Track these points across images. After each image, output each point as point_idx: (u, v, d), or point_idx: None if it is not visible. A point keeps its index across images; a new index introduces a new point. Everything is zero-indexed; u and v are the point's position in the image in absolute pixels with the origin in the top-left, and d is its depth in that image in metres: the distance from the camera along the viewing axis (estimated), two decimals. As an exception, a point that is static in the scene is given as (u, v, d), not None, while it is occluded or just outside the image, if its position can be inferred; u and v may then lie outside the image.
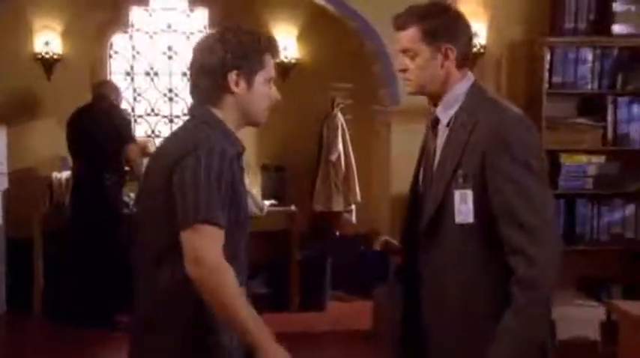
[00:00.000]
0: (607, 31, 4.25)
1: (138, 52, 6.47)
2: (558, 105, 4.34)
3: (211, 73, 1.98)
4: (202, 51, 2.00)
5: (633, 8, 4.25)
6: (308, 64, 6.36)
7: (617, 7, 4.23)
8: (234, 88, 1.99)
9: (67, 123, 5.40)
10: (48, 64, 6.02)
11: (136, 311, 2.06)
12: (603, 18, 4.26)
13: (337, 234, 6.09)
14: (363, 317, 5.29)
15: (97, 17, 6.22)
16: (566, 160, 4.26)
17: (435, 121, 2.13)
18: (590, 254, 4.34)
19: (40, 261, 5.51)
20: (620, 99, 4.28)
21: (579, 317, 4.16)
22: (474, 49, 3.51)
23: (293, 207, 5.85)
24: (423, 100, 3.18)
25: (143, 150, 5.55)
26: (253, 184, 5.79)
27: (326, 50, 6.33)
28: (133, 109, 6.45)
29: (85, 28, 6.17)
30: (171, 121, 6.57)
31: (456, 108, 2.07)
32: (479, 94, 2.08)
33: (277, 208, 5.80)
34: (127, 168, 5.38)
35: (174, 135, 2.08)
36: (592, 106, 4.35)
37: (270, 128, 5.97)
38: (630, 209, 4.33)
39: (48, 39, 6.02)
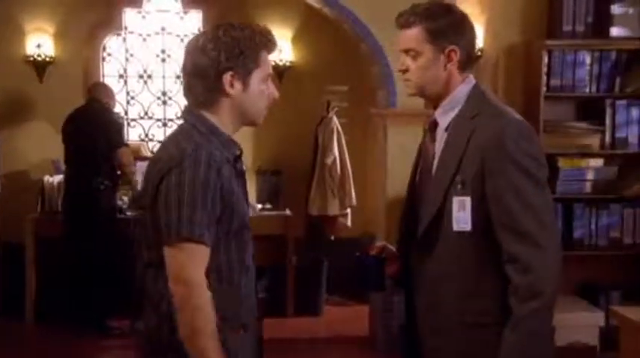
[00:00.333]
0: (605, 34, 4.22)
1: (131, 55, 6.43)
2: (556, 109, 4.30)
3: (204, 75, 1.90)
4: (194, 52, 1.92)
5: (631, 11, 4.22)
6: (303, 66, 6.32)
7: (615, 9, 4.20)
8: (229, 90, 1.91)
9: (62, 127, 5.35)
10: (40, 67, 5.98)
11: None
12: (601, 20, 4.23)
13: (333, 238, 6.06)
14: (359, 322, 5.27)
15: (89, 19, 6.17)
16: (564, 164, 4.22)
17: (434, 125, 2.08)
18: (588, 259, 4.31)
19: (32, 266, 5.45)
20: (618, 102, 4.24)
21: (578, 322, 4.13)
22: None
23: (288, 211, 5.82)
24: (419, 103, 3.14)
25: (135, 154, 5.52)
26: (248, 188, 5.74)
27: (321, 53, 6.30)
28: (126, 112, 6.41)
29: (78, 30, 6.13)
30: (164, 125, 6.52)
31: (455, 112, 2.03)
32: (480, 99, 2.04)
33: (272, 212, 5.77)
34: (118, 173, 5.32)
35: (165, 143, 1.99)
36: (590, 110, 4.32)
37: (265, 131, 5.99)
38: (629, 213, 4.30)
39: (40, 41, 5.98)
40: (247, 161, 5.80)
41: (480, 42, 4.59)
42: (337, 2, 4.77)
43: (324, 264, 5.81)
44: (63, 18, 6.07)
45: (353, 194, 5.94)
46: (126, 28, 6.38)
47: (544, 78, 4.19)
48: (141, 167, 5.69)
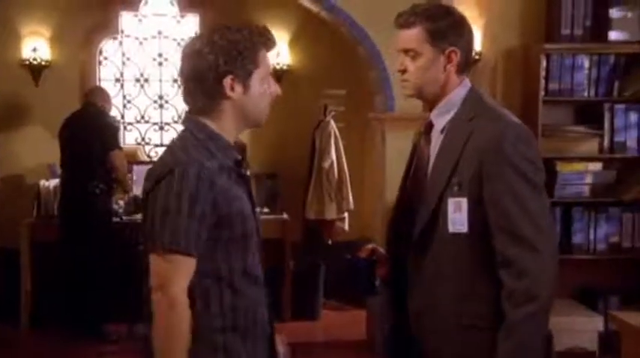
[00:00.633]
0: (604, 38, 4.21)
1: (128, 58, 6.41)
2: (554, 113, 4.29)
3: (203, 81, 1.87)
4: (191, 56, 1.88)
5: (630, 14, 4.21)
6: (300, 70, 6.31)
7: (613, 13, 4.19)
8: (230, 94, 1.88)
9: (59, 132, 5.33)
10: (36, 70, 5.96)
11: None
12: (600, 24, 4.22)
13: (330, 242, 6.04)
14: (357, 327, 5.25)
15: (85, 23, 6.15)
16: (562, 168, 4.21)
17: (429, 126, 2.08)
18: (587, 263, 4.30)
19: (27, 271, 5.42)
20: (616, 106, 4.23)
21: (577, 327, 4.11)
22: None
23: (285, 215, 5.80)
24: (417, 107, 3.12)
25: (131, 158, 5.49)
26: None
27: (318, 56, 6.29)
28: (122, 116, 6.39)
29: (74, 34, 6.11)
30: (161, 128, 6.50)
31: (451, 114, 2.03)
32: (476, 101, 2.04)
33: (269, 216, 5.74)
34: (113, 176, 5.30)
35: (165, 151, 1.95)
36: (589, 114, 4.31)
37: (262, 135, 5.97)
38: (627, 217, 4.28)
39: (36, 45, 5.96)
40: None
41: (478, 45, 4.57)
42: (335, 6, 4.76)
43: (321, 268, 5.79)
44: (59, 21, 6.04)
45: (350, 198, 5.93)
46: (122, 31, 6.36)
47: (542, 82, 4.18)
48: (137, 171, 5.68)
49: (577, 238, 4.26)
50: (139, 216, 5.43)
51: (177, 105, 6.42)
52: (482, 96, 2.08)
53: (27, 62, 5.94)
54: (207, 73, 1.86)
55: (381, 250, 2.19)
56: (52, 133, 5.45)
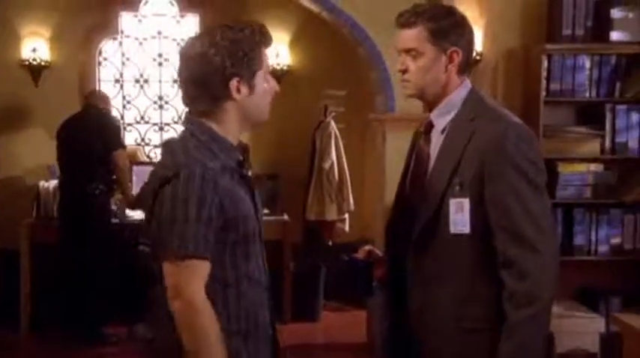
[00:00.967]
0: (605, 38, 4.19)
1: (127, 59, 6.40)
2: (556, 113, 4.27)
3: (209, 84, 1.84)
4: (195, 59, 1.84)
5: (631, 15, 4.19)
6: (300, 70, 6.30)
7: (615, 13, 4.17)
8: (235, 96, 1.86)
9: (57, 133, 5.31)
10: (35, 71, 5.95)
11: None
12: (601, 25, 4.19)
13: (330, 243, 6.03)
14: (357, 328, 5.24)
15: (85, 23, 6.14)
16: (563, 169, 4.19)
17: (429, 127, 2.07)
18: (588, 265, 4.28)
19: (27, 273, 5.40)
20: (618, 107, 4.21)
21: (578, 329, 4.09)
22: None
23: (286, 217, 5.79)
24: (418, 108, 3.11)
25: (131, 159, 5.48)
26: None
27: (318, 57, 6.28)
28: (122, 117, 6.38)
29: (74, 34, 6.10)
30: (161, 129, 6.49)
31: (452, 115, 2.02)
32: (477, 102, 2.04)
33: (270, 217, 5.72)
34: (114, 177, 5.28)
35: (164, 152, 1.94)
36: (590, 114, 4.29)
37: (262, 136, 5.96)
38: (629, 219, 4.26)
39: (35, 45, 5.95)
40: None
41: (479, 45, 4.56)
42: (335, 6, 4.75)
43: (321, 270, 5.78)
44: (58, 22, 6.04)
45: (351, 199, 5.92)
46: (122, 31, 6.35)
47: (543, 82, 4.15)
48: (137, 171, 5.67)
49: (578, 239, 4.24)
50: (136, 216, 5.42)
51: (177, 105, 6.41)
52: (483, 96, 2.08)
53: (26, 62, 5.94)
54: (214, 77, 1.84)
55: (378, 252, 2.19)
56: (52, 134, 5.43)
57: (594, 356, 4.11)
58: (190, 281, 1.75)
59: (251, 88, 1.87)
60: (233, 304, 1.84)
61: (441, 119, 2.03)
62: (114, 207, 5.46)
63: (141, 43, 6.41)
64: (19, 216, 5.51)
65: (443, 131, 2.02)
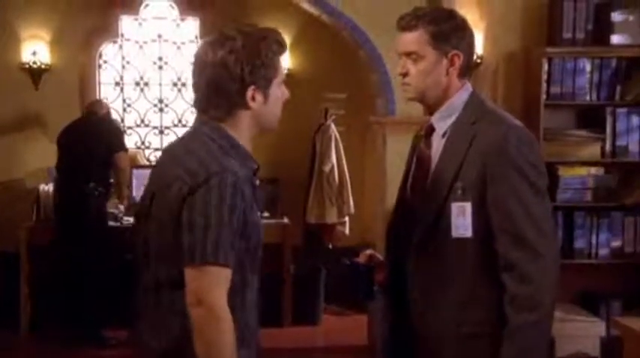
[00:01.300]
0: (605, 41, 4.19)
1: (127, 62, 6.40)
2: (556, 117, 4.27)
3: (226, 91, 1.82)
4: (214, 65, 1.81)
5: (631, 18, 4.19)
6: (301, 73, 6.30)
7: (615, 16, 4.17)
8: (251, 104, 1.85)
9: (57, 139, 5.31)
10: (36, 74, 5.95)
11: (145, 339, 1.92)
12: (601, 28, 4.19)
13: (331, 246, 6.02)
14: (358, 332, 5.23)
15: (85, 26, 6.14)
16: (564, 172, 4.18)
17: (430, 130, 2.06)
18: (588, 268, 4.27)
19: (26, 276, 5.39)
20: (618, 110, 4.21)
21: (578, 332, 4.08)
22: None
23: (286, 220, 5.78)
24: (418, 111, 3.10)
25: (131, 162, 5.48)
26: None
27: (319, 60, 6.28)
28: (122, 120, 6.37)
29: (74, 38, 6.10)
30: (161, 132, 6.49)
31: (453, 118, 2.01)
32: (478, 105, 2.03)
33: (270, 220, 5.72)
34: (111, 181, 5.29)
35: (180, 156, 1.84)
36: (590, 118, 4.29)
37: (262, 139, 5.91)
38: (629, 222, 4.26)
39: (36, 48, 5.95)
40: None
41: (479, 49, 4.56)
42: (336, 9, 4.74)
43: (321, 273, 5.77)
44: (59, 25, 6.03)
45: (351, 202, 5.92)
46: (122, 35, 6.35)
47: (544, 85, 4.15)
48: (137, 175, 5.66)
49: (579, 243, 4.23)
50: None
51: (178, 109, 6.41)
52: (484, 99, 2.08)
53: (27, 66, 5.93)
54: (232, 84, 1.82)
55: (379, 256, 2.18)
56: (52, 137, 5.43)
57: (595, 359, 4.11)
58: (214, 288, 1.72)
59: (266, 96, 1.87)
60: (238, 311, 1.82)
61: (442, 122, 2.03)
62: (115, 211, 5.46)
63: (141, 46, 6.41)
64: (18, 218, 5.51)
65: (444, 135, 2.02)
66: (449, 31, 1.99)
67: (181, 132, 1.98)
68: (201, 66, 1.85)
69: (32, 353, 5.22)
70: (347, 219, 5.94)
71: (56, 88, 6.00)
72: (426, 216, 1.97)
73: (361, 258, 2.15)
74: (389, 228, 2.15)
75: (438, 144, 2.03)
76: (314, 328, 5.67)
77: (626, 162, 4.25)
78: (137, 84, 6.42)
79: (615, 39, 4.18)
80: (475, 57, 4.31)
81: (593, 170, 4.22)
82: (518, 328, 1.85)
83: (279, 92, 1.92)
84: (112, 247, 5.19)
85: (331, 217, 5.86)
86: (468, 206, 1.91)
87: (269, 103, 1.89)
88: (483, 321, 1.93)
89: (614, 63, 4.19)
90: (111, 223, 5.39)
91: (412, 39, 2.00)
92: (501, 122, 1.96)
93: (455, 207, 1.92)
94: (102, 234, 5.19)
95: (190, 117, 6.19)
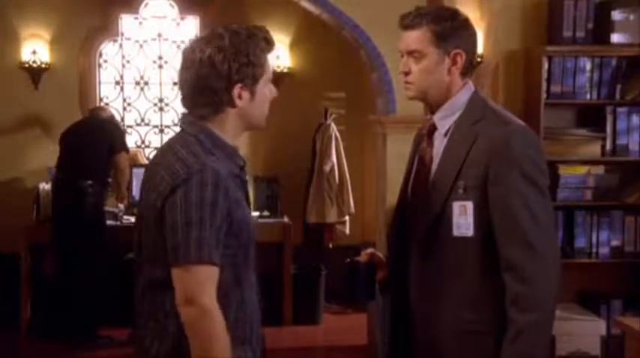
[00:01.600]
0: (606, 40, 4.18)
1: (127, 61, 6.39)
2: (556, 116, 4.26)
3: (212, 89, 1.83)
4: (200, 63, 1.82)
5: (632, 17, 4.18)
6: (301, 72, 6.30)
7: (615, 15, 4.16)
8: (237, 102, 1.86)
9: (60, 140, 5.33)
10: (35, 73, 5.95)
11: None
12: (602, 27, 4.19)
13: (331, 246, 6.02)
14: (358, 331, 5.22)
15: (85, 25, 6.14)
16: (564, 171, 4.17)
17: (432, 129, 2.06)
18: (589, 267, 4.26)
19: (26, 276, 5.38)
20: (619, 109, 4.20)
21: (579, 332, 4.08)
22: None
23: (286, 219, 5.78)
24: (418, 110, 3.10)
25: (131, 161, 5.49)
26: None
27: (319, 59, 6.27)
28: (122, 119, 6.37)
29: (74, 37, 6.10)
30: (161, 131, 6.49)
31: (455, 117, 2.01)
32: (480, 104, 2.03)
33: (270, 220, 5.72)
34: (109, 180, 5.29)
35: (166, 155, 1.89)
36: (591, 116, 4.28)
37: (262, 138, 5.95)
38: (630, 221, 4.25)
39: (35, 47, 5.95)
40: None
41: (479, 48, 4.55)
42: (336, 8, 4.74)
43: (322, 272, 5.77)
44: (59, 24, 6.03)
45: (351, 201, 5.91)
46: (122, 34, 6.34)
47: (544, 84, 4.14)
48: (137, 174, 5.66)
49: (579, 242, 4.22)
50: (133, 219, 5.41)
51: (178, 108, 6.40)
52: (485, 99, 2.08)
53: (26, 65, 5.93)
54: (218, 82, 1.83)
55: (380, 255, 2.18)
56: (52, 136, 5.44)
57: (595, 358, 4.10)
58: (203, 288, 1.73)
59: (253, 94, 1.87)
60: (234, 310, 1.83)
61: (444, 121, 2.02)
62: (115, 209, 5.46)
63: (141, 46, 6.40)
64: (18, 218, 5.50)
65: (446, 133, 2.02)
66: (451, 30, 1.98)
67: (178, 130, 1.98)
68: (188, 63, 1.86)
69: (32, 353, 5.21)
70: (347, 218, 5.94)
71: (56, 87, 6.00)
72: (428, 214, 1.97)
73: (362, 257, 2.15)
74: (390, 226, 2.15)
75: (440, 143, 2.03)
76: (314, 327, 5.67)
77: (627, 162, 4.25)
78: (137, 83, 6.42)
79: (616, 38, 4.18)
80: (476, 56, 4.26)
81: (593, 169, 4.21)
82: (521, 328, 1.85)
83: (266, 90, 1.91)
84: (110, 246, 5.18)
85: (331, 216, 5.86)
86: (469, 205, 1.91)
87: (256, 101, 1.88)
88: (484, 320, 1.93)
89: (614, 62, 4.19)
90: (110, 222, 5.39)
91: (415, 37, 1.99)
92: (504, 122, 1.96)
93: (456, 206, 1.92)
94: (99, 232, 5.18)
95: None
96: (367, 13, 4.69)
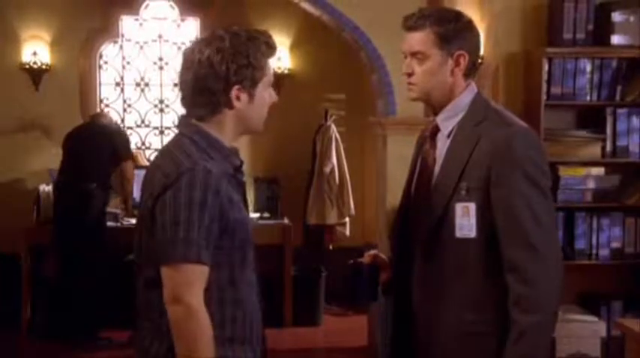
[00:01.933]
0: (606, 42, 4.18)
1: (128, 63, 6.40)
2: (556, 117, 4.26)
3: (211, 90, 1.83)
4: (200, 64, 1.83)
5: (632, 18, 4.18)
6: (301, 74, 6.30)
7: (616, 17, 4.16)
8: (235, 104, 1.86)
9: (63, 143, 5.35)
10: (36, 74, 5.95)
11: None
12: (602, 28, 4.19)
13: (331, 247, 6.02)
14: (358, 333, 5.22)
15: (86, 27, 6.15)
16: (564, 173, 4.18)
17: (435, 130, 2.06)
18: (589, 268, 4.26)
19: (26, 277, 5.38)
20: (619, 110, 4.20)
21: (579, 333, 4.08)
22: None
23: (286, 221, 5.78)
24: (419, 111, 3.09)
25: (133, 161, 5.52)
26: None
27: (319, 60, 6.28)
28: (122, 120, 6.37)
29: (74, 38, 6.10)
30: (161, 133, 6.49)
31: (458, 118, 2.02)
32: (483, 106, 2.03)
33: (270, 221, 5.72)
34: (110, 182, 5.31)
35: (162, 156, 1.91)
36: (591, 118, 4.28)
37: (262, 140, 5.95)
38: (630, 222, 4.25)
39: (36, 49, 5.96)
40: (245, 169, 5.77)
41: (480, 49, 4.55)
42: (336, 10, 4.74)
43: (322, 274, 5.76)
44: (59, 25, 6.04)
45: (351, 203, 5.91)
46: (123, 35, 6.35)
47: (544, 86, 4.15)
48: (138, 175, 5.66)
49: (579, 243, 4.23)
50: (134, 221, 5.42)
51: (178, 109, 6.40)
52: (488, 100, 2.09)
53: (27, 66, 5.93)
54: (217, 83, 1.83)
55: (383, 256, 2.18)
56: (52, 137, 5.44)
57: (596, 360, 4.10)
58: (190, 287, 1.74)
59: (251, 96, 1.87)
60: (231, 312, 1.83)
61: (447, 123, 2.03)
62: (115, 211, 5.46)
63: (141, 47, 6.41)
64: (19, 219, 5.50)
65: (449, 135, 2.02)
66: (455, 32, 1.99)
67: (176, 132, 1.99)
68: (187, 64, 1.87)
69: (32, 353, 5.21)
70: (347, 219, 5.94)
71: (56, 89, 6.00)
72: (431, 216, 1.97)
73: (365, 259, 2.15)
74: (393, 228, 2.15)
75: (443, 144, 2.03)
76: (314, 329, 5.67)
77: (627, 163, 4.25)
78: (137, 84, 6.42)
79: (616, 39, 4.18)
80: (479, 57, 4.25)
81: (593, 170, 4.21)
82: (523, 329, 1.85)
83: (266, 94, 1.92)
84: (111, 247, 5.18)
85: (331, 218, 5.87)
86: (472, 206, 1.92)
87: (254, 104, 1.89)
88: (487, 321, 1.93)
89: (614, 63, 4.19)
90: (111, 224, 5.39)
91: (418, 39, 1.99)
92: (507, 123, 1.97)
93: (459, 207, 1.93)
94: (100, 234, 5.18)
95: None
96: (367, 14, 4.69)
